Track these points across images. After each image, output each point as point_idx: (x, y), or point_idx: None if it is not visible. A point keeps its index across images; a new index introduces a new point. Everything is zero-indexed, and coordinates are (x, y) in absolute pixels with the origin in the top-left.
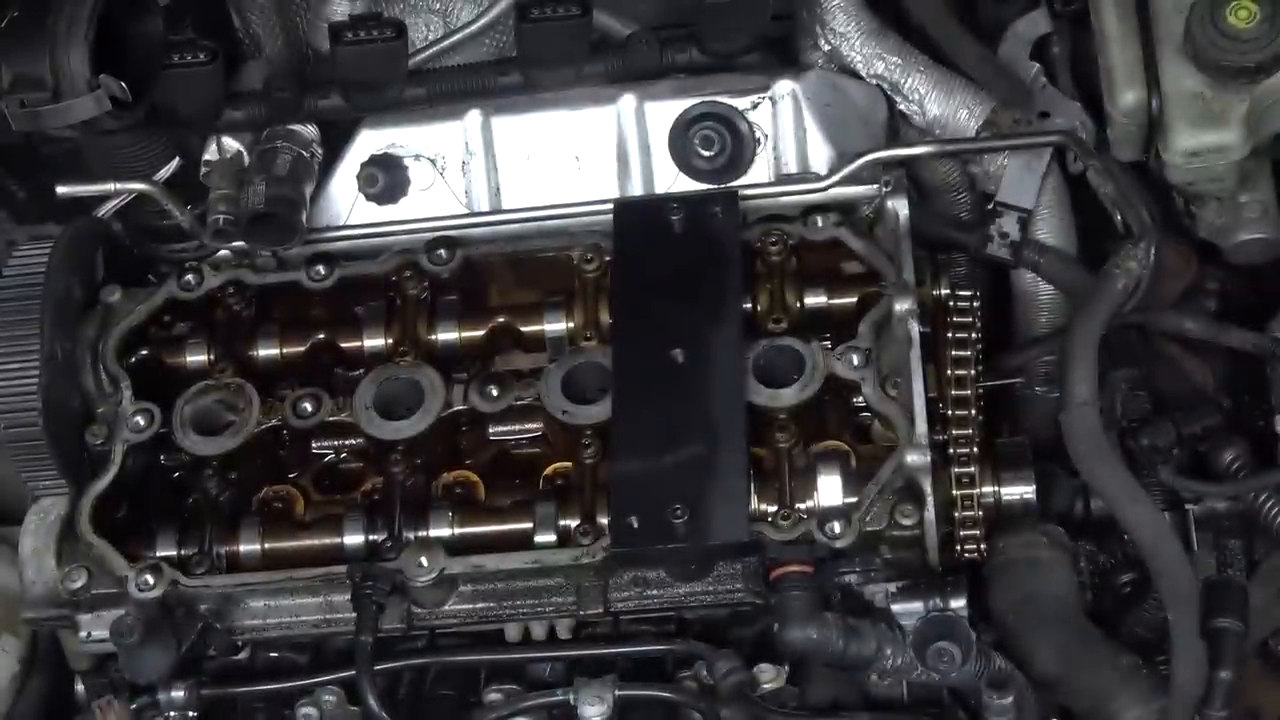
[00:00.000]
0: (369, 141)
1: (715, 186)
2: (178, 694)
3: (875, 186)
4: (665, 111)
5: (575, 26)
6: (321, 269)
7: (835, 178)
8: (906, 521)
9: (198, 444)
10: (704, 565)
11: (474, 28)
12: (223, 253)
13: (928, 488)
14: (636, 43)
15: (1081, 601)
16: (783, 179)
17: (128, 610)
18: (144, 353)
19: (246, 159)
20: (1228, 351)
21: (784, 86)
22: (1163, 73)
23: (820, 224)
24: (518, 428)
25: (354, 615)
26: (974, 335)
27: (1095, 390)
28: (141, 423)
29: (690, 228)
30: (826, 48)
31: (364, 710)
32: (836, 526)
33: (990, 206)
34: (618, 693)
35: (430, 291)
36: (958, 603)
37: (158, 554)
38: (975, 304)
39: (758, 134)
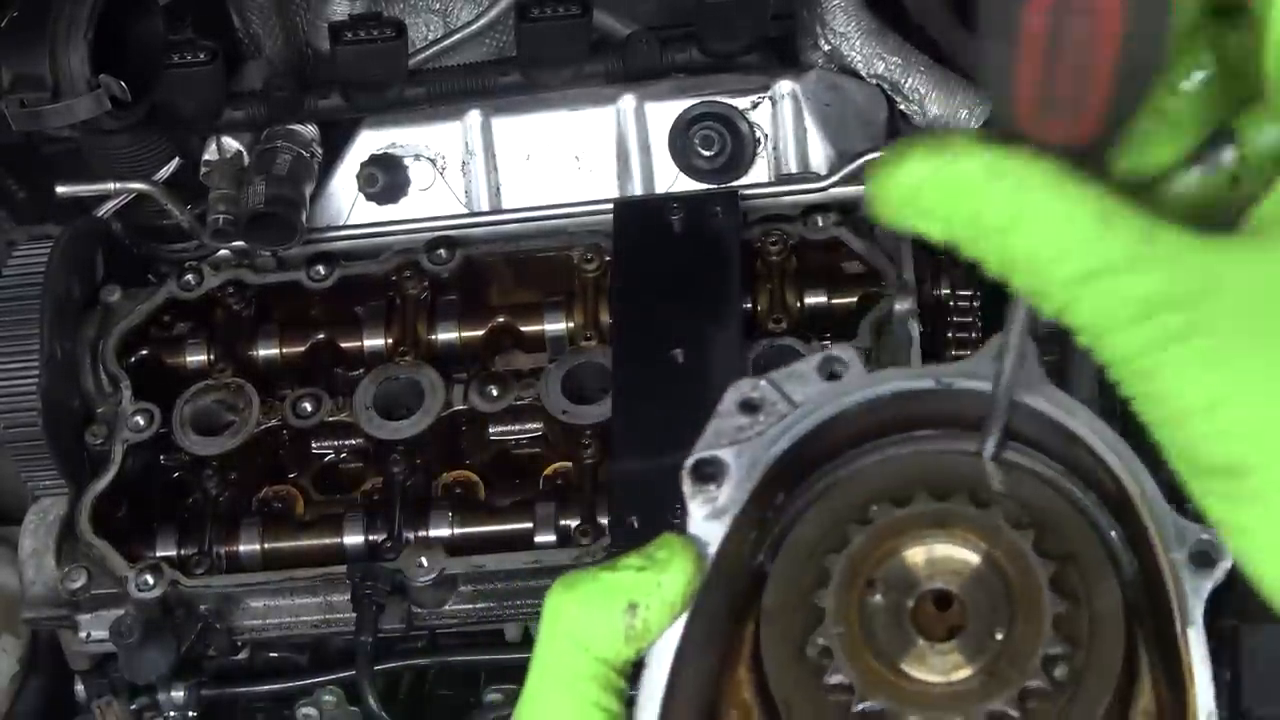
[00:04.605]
0: (369, 141)
1: (715, 186)
2: (178, 694)
3: None
4: (665, 111)
5: (575, 26)
6: (321, 269)
7: (835, 178)
8: None
9: (198, 444)
10: None
11: (474, 28)
12: (223, 253)
13: None
14: (636, 43)
15: None
16: (783, 179)
17: (128, 610)
18: (144, 353)
19: (246, 159)
20: None
21: (784, 86)
22: None
23: (820, 224)
24: (518, 428)
25: (354, 615)
26: (974, 335)
27: (1096, 389)
28: (141, 423)
29: (690, 228)
30: (826, 48)
31: (364, 710)
32: None
33: None
34: None
35: (430, 291)
36: None
37: (158, 554)
38: (975, 304)
39: (758, 134)
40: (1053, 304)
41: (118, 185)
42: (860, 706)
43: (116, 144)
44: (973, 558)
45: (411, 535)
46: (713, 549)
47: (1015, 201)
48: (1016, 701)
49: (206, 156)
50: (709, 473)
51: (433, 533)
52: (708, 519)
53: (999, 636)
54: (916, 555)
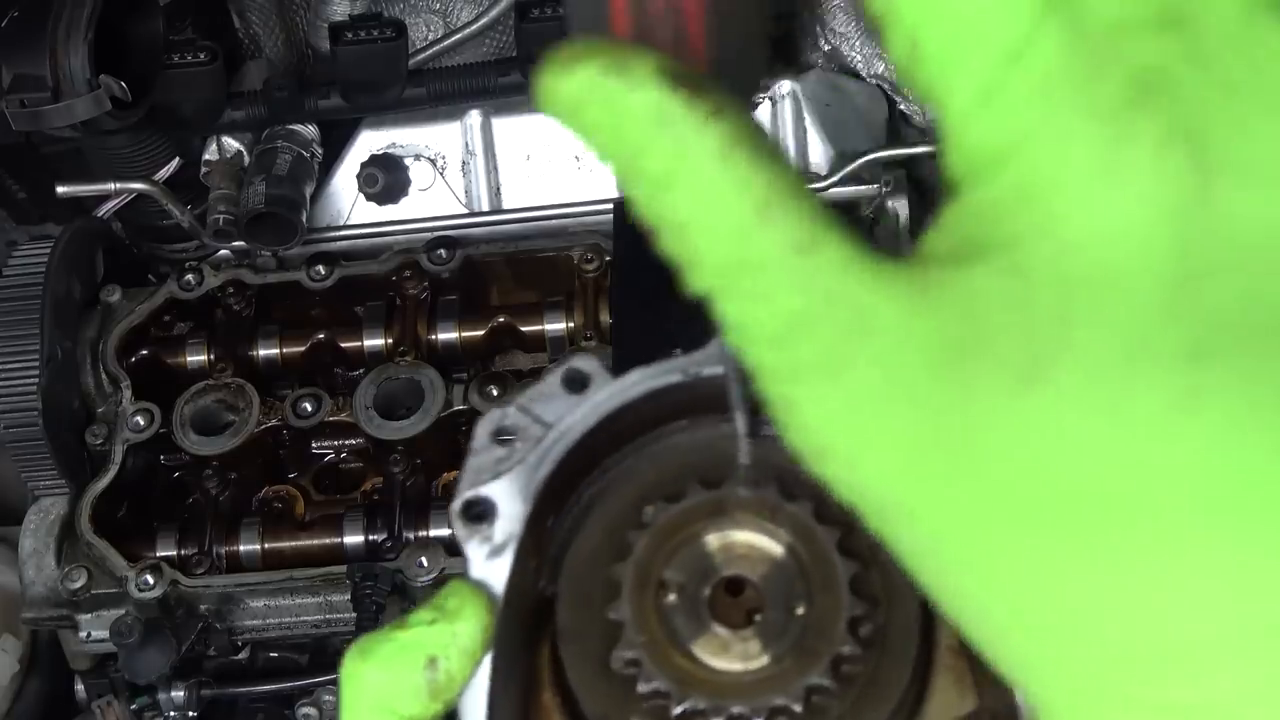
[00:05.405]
0: (369, 141)
1: None
2: (178, 694)
3: (875, 186)
4: None
5: None
6: (321, 269)
7: (835, 178)
8: None
9: (198, 444)
10: None
11: (474, 28)
12: (223, 253)
13: None
14: None
15: None
16: None
17: (128, 610)
18: (144, 353)
19: (246, 159)
20: None
21: (784, 86)
22: None
23: None
24: None
25: (354, 615)
26: None
27: None
28: (141, 423)
29: None
30: (826, 48)
31: None
32: None
33: None
34: None
35: (430, 291)
36: None
37: (158, 554)
38: None
39: None
40: (700, 284)
41: (118, 185)
42: (680, 709)
43: (116, 144)
44: (758, 539)
45: (411, 535)
46: (500, 588)
47: (677, 158)
48: (831, 671)
49: (206, 156)
50: (478, 512)
51: (433, 533)
52: (489, 558)
53: (800, 612)
54: (702, 548)
